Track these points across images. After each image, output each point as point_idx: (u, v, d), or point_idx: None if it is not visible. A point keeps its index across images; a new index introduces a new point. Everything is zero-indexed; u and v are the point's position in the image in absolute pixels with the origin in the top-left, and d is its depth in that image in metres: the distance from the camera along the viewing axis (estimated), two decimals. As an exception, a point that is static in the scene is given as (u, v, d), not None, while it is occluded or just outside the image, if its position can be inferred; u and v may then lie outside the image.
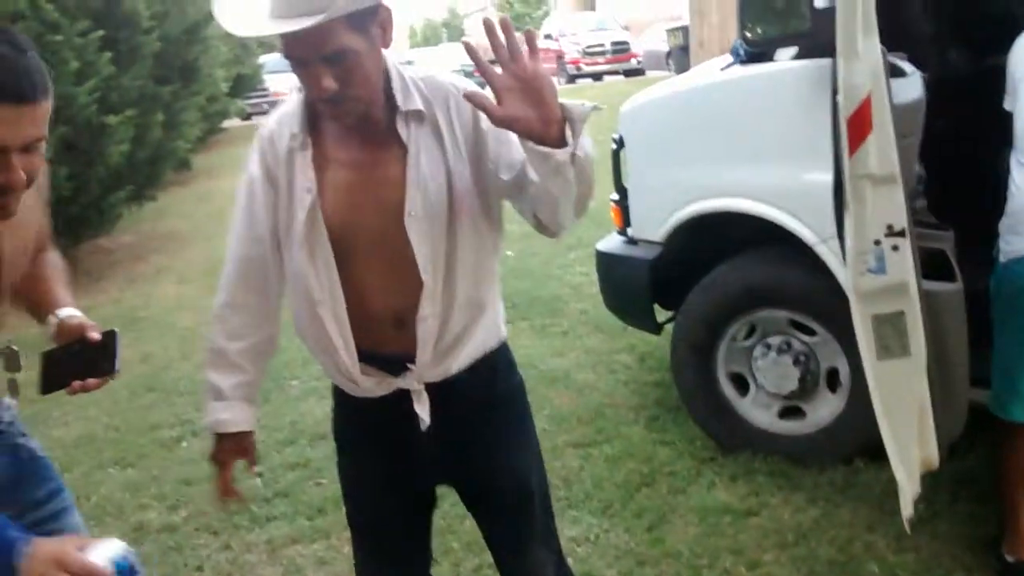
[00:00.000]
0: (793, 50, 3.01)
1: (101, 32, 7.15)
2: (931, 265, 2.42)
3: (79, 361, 1.59)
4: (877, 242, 2.22)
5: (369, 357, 1.70)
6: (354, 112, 1.57)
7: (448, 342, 1.69)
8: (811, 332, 3.16)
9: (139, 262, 8.14)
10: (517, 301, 5.52)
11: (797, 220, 2.99)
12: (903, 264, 2.21)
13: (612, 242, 3.76)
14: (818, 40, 2.69)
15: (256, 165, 1.71)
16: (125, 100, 7.62)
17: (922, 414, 2.28)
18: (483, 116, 1.50)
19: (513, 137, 1.53)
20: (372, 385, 1.71)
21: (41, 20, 6.57)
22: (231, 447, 1.83)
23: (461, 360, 1.72)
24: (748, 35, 2.90)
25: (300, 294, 1.69)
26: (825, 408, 3.20)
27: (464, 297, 1.68)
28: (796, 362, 3.18)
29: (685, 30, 15.17)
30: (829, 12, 2.64)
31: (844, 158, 2.24)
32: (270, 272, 1.75)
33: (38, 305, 1.71)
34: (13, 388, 1.66)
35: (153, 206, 9.56)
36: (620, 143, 3.66)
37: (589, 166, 1.49)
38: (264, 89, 22.29)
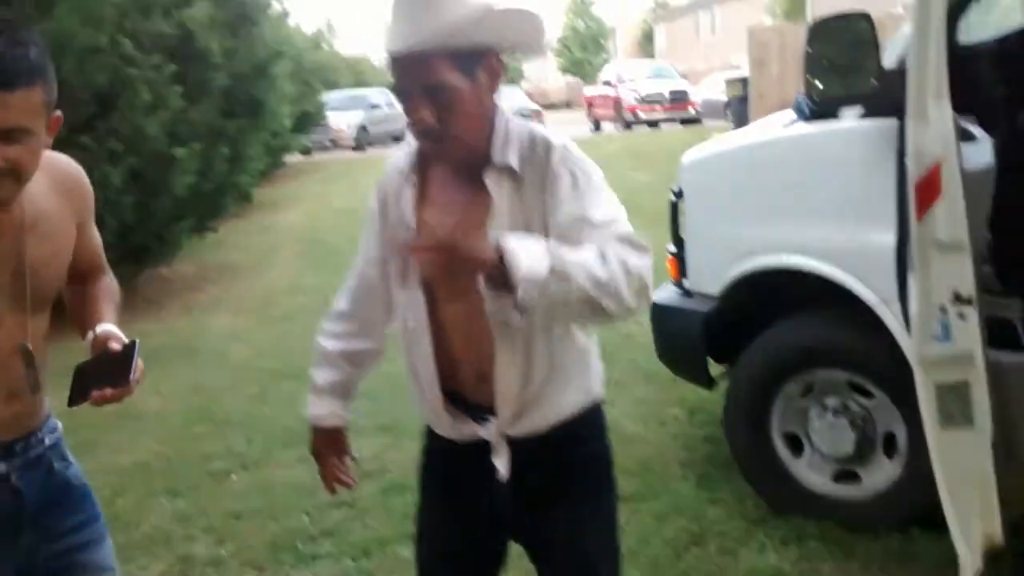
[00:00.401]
0: (858, 109, 2.99)
1: (174, 67, 7.38)
2: (997, 333, 2.36)
3: (103, 373, 1.62)
4: (943, 309, 2.18)
5: (454, 399, 1.75)
6: (452, 151, 1.63)
7: (529, 400, 1.69)
8: (869, 395, 3.10)
9: (196, 292, 8.30)
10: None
11: (858, 280, 2.95)
12: (969, 332, 2.16)
13: (667, 293, 3.74)
14: (886, 101, 2.68)
15: (375, 197, 1.82)
16: (193, 133, 7.83)
17: (985, 487, 2.21)
18: (558, 185, 1.59)
19: (590, 203, 1.59)
20: (453, 424, 1.76)
21: (119, 55, 6.80)
22: (324, 440, 1.98)
23: (543, 419, 1.71)
24: (813, 93, 2.89)
25: (400, 320, 1.80)
26: (881, 473, 3.12)
27: (543, 357, 1.68)
28: (853, 425, 3.12)
29: (744, 81, 15.22)
30: (897, 73, 2.63)
31: (911, 223, 2.21)
32: (379, 296, 1.86)
33: (83, 324, 1.75)
34: (33, 384, 1.65)
35: (213, 237, 9.76)
36: (679, 195, 3.66)
37: (574, 293, 1.47)
38: (326, 126, 22.73)
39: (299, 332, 6.57)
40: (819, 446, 3.19)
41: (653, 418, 4.34)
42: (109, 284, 1.87)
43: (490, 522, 1.79)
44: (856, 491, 3.17)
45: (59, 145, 6.18)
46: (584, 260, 1.49)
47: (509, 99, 26.89)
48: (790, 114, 3.52)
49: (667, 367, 3.97)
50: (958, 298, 2.18)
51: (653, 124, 23.96)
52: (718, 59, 42.38)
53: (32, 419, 1.73)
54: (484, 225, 1.62)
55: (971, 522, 2.23)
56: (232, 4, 9.13)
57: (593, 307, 1.51)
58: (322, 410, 1.96)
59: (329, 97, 23.02)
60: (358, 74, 37.61)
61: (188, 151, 7.51)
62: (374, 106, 25.92)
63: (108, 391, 1.57)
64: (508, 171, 1.63)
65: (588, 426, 1.79)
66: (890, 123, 2.73)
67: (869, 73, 2.76)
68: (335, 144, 23.79)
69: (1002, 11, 4.70)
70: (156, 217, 7.49)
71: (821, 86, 2.89)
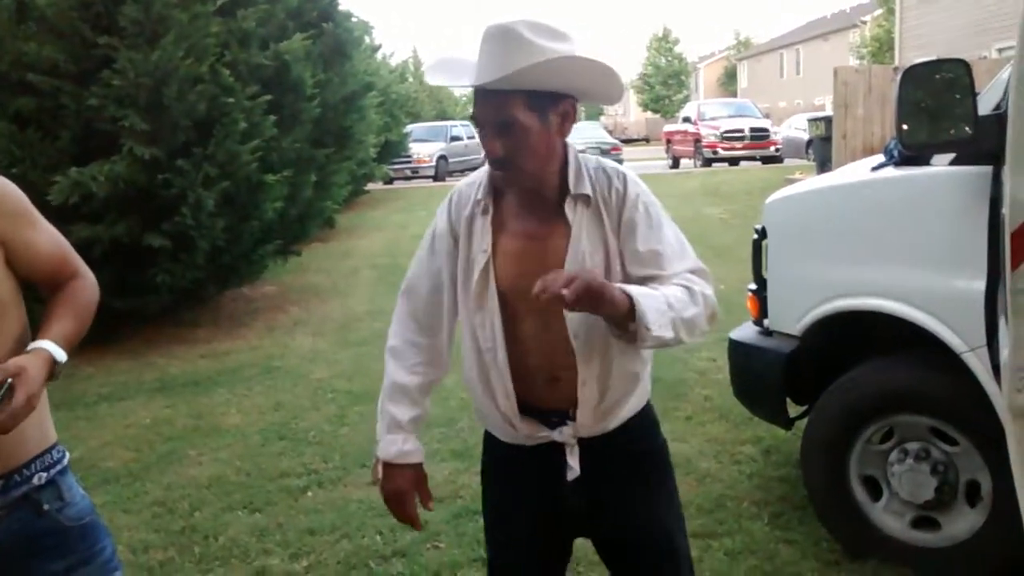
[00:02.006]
0: (949, 155, 2.97)
1: (268, 97, 7.65)
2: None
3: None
4: (1035, 358, 2.14)
5: (527, 409, 1.85)
6: (520, 182, 1.78)
7: (608, 406, 1.84)
8: (953, 442, 3.04)
9: (278, 312, 8.52)
10: (642, 382, 5.50)
11: (945, 326, 2.91)
12: (1061, 382, 2.12)
13: (746, 331, 3.73)
14: (980, 148, 2.66)
15: (443, 220, 1.90)
16: (283, 160, 8.10)
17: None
18: (633, 214, 1.76)
19: (664, 237, 1.78)
20: (529, 431, 1.85)
21: (217, 83, 7.08)
22: (410, 477, 1.95)
23: (614, 420, 1.86)
24: (904, 138, 2.88)
25: (469, 340, 1.87)
26: (962, 522, 3.05)
27: (620, 367, 1.82)
28: (934, 471, 3.06)
29: (828, 121, 15.00)
30: (992, 119, 2.61)
31: (1006, 271, 2.18)
32: (446, 322, 1.93)
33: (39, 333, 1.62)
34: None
35: (296, 260, 10.02)
36: (762, 234, 3.66)
37: (682, 335, 1.68)
38: (408, 156, 23.17)
39: (376, 355, 6.65)
40: (898, 491, 3.14)
41: (727, 456, 4.31)
42: (75, 288, 1.73)
43: (560, 519, 1.90)
44: (935, 539, 3.10)
45: (158, 168, 6.53)
46: (685, 309, 1.68)
47: (588, 133, 27.14)
48: (879, 158, 3.50)
49: (744, 405, 3.95)
50: (1050, 348, 2.14)
51: (733, 161, 23.79)
52: (800, 98, 41.97)
53: (11, 455, 1.59)
54: (565, 250, 1.75)
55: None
56: (327, 38, 9.44)
57: (680, 341, 1.70)
58: (410, 446, 1.94)
59: (412, 128, 23.48)
60: (439, 105, 38.28)
61: (278, 178, 7.76)
62: (455, 138, 26.35)
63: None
64: (583, 199, 1.78)
65: (647, 421, 1.96)
66: (983, 170, 2.70)
67: (963, 119, 2.74)
68: (416, 173, 24.21)
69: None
70: (244, 240, 7.74)
71: (913, 131, 2.88)
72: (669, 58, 58.18)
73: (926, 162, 3.07)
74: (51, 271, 1.71)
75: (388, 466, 1.94)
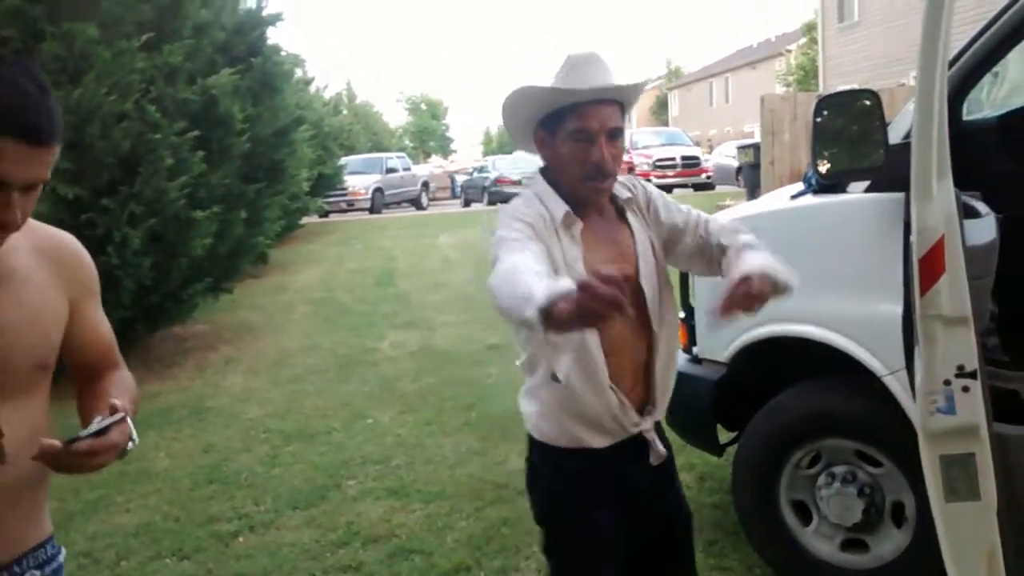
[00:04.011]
0: (864, 183, 3.04)
1: (196, 132, 7.53)
2: (1003, 405, 2.37)
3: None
4: (947, 382, 2.19)
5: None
6: (608, 191, 2.00)
7: (669, 385, 2.07)
8: (877, 464, 3.10)
9: (210, 351, 8.36)
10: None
11: (866, 350, 2.97)
12: (973, 406, 2.17)
13: (677, 360, 3.76)
14: (892, 175, 2.73)
15: (528, 215, 1.91)
16: (212, 196, 7.96)
17: (992, 560, 2.20)
18: (658, 203, 2.08)
19: (672, 206, 2.09)
20: (632, 419, 1.99)
21: (143, 120, 6.96)
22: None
23: (668, 389, 2.08)
24: (820, 166, 2.94)
25: (558, 354, 1.93)
26: (889, 543, 3.10)
27: (671, 345, 2.06)
28: (861, 494, 3.11)
29: (756, 148, 15.33)
30: (903, 148, 2.69)
31: (915, 297, 2.24)
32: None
33: (91, 413, 1.50)
34: None
35: (228, 297, 9.86)
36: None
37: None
38: (343, 189, 23.06)
39: (311, 392, 6.62)
40: (827, 514, 3.18)
41: (662, 485, 4.32)
42: (124, 377, 1.68)
43: (641, 513, 2.05)
44: (864, 560, 3.14)
45: (82, 207, 6.37)
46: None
47: (524, 163, 27.32)
48: (799, 186, 3.57)
49: (676, 432, 3.95)
50: (962, 372, 2.19)
51: (667, 189, 24.10)
52: (730, 125, 42.88)
53: (2, 548, 1.47)
54: (633, 248, 2.00)
55: (979, 596, 2.22)
56: (255, 72, 9.35)
57: None
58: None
59: (347, 160, 23.39)
60: (374, 137, 38.20)
61: (207, 214, 7.62)
62: (390, 170, 26.32)
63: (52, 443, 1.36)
64: (629, 201, 2.05)
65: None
66: (896, 197, 2.77)
67: (875, 148, 2.81)
68: (351, 206, 24.09)
69: (1009, 88, 4.78)
70: (173, 278, 7.58)
71: (829, 160, 2.94)
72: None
73: (842, 189, 3.15)
74: (100, 354, 1.67)
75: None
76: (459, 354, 7.48)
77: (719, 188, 22.53)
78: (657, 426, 2.08)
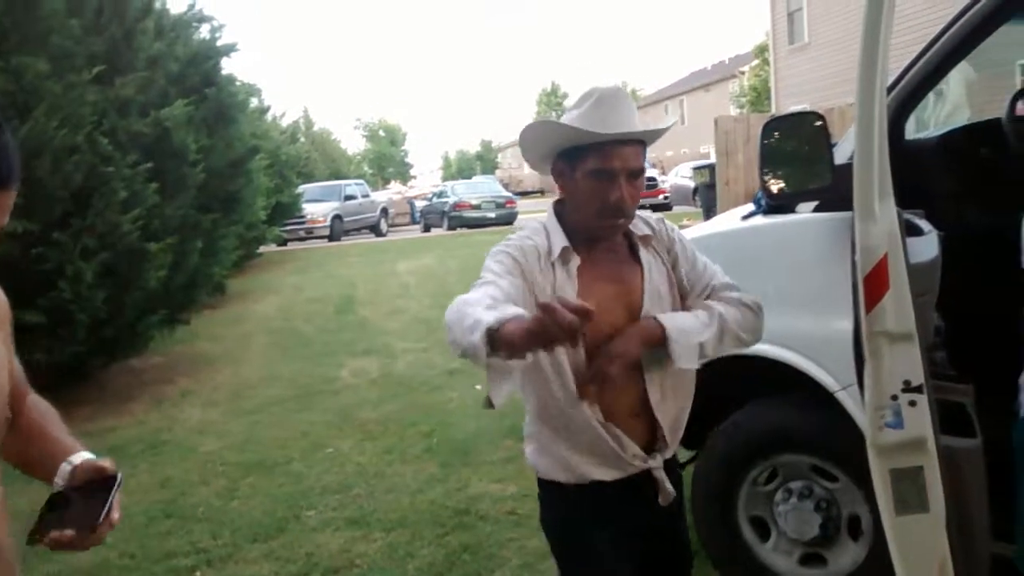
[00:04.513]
0: (812, 203, 3.10)
1: (149, 164, 7.46)
2: (950, 418, 2.42)
3: (76, 507, 1.38)
4: (894, 397, 2.23)
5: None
6: (622, 229, 2.00)
7: (681, 422, 2.07)
8: (833, 478, 3.13)
9: (166, 384, 8.24)
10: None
11: (818, 366, 3.01)
12: (921, 419, 2.22)
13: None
14: (839, 194, 2.78)
15: (515, 256, 1.92)
16: (167, 227, 7.88)
17: (942, 570, 2.24)
18: (678, 247, 2.08)
19: (696, 263, 2.09)
20: (634, 452, 1.98)
21: (95, 153, 6.88)
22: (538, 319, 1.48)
23: (679, 432, 2.08)
24: (770, 187, 3.00)
25: (556, 381, 1.93)
26: (847, 556, 3.13)
27: (679, 383, 2.06)
28: (818, 508, 3.15)
29: (712, 168, 15.54)
30: (849, 168, 2.75)
31: (861, 314, 2.28)
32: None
33: (42, 462, 1.45)
34: None
35: (185, 328, 9.73)
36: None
37: (727, 332, 2.03)
38: (301, 217, 22.94)
39: (270, 423, 6.54)
40: (785, 530, 3.21)
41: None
42: (46, 407, 1.60)
43: (646, 548, 2.07)
44: (823, 574, 3.17)
45: (33, 242, 6.27)
46: (724, 313, 2.03)
47: (485, 188, 27.39)
48: (749, 207, 3.63)
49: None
50: (908, 386, 2.23)
51: (625, 211, 24.37)
52: (687, 147, 43.38)
53: None
54: (641, 286, 1.99)
55: (932, 607, 2.25)
56: (210, 103, 9.31)
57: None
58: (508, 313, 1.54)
59: (305, 188, 23.31)
60: (332, 164, 38.11)
61: (162, 246, 7.54)
62: (349, 197, 26.24)
63: (68, 533, 1.32)
64: (645, 238, 2.05)
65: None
66: (844, 215, 2.82)
67: (822, 168, 2.87)
68: (310, 234, 23.97)
69: (951, 107, 4.91)
70: (127, 311, 7.46)
71: (777, 181, 3.00)
72: (559, 112, 59.48)
73: (791, 209, 3.20)
74: (16, 383, 1.55)
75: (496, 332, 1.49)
76: (419, 380, 7.46)
77: (676, 208, 22.77)
78: (668, 465, 2.07)
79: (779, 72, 28.27)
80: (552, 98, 59.75)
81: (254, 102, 16.78)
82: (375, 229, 27.20)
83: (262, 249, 18.00)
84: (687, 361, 1.95)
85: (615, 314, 1.95)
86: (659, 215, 2.14)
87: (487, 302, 1.65)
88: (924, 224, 2.76)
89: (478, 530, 4.20)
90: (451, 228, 24.86)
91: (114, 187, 6.97)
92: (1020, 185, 2.87)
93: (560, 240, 1.95)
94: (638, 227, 2.04)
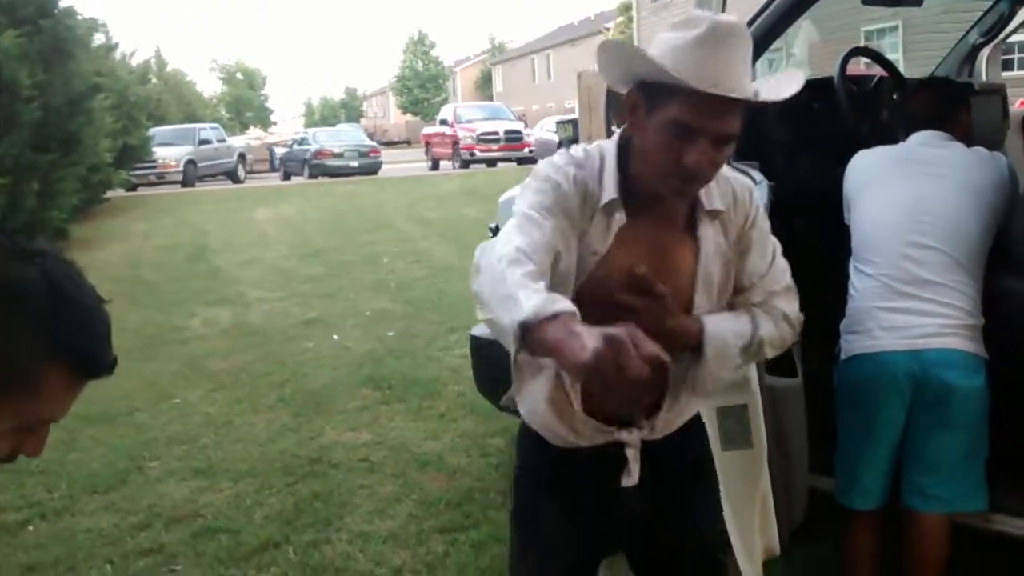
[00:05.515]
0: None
1: (-25, 98, 6.97)
2: (775, 360, 2.54)
3: None
4: (721, 337, 2.32)
5: (592, 414, 1.69)
6: (689, 196, 1.61)
7: (681, 408, 1.75)
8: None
9: (2, 334, 7.77)
10: (394, 383, 5.53)
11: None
12: (746, 359, 2.32)
13: (485, 327, 3.81)
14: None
15: (566, 180, 1.59)
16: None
17: (764, 503, 2.37)
18: (755, 231, 1.70)
19: (771, 263, 1.72)
20: (591, 434, 1.69)
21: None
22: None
23: (680, 422, 1.78)
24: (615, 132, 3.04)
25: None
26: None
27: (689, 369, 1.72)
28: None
29: (575, 123, 15.72)
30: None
31: None
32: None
33: None
34: None
35: (22, 276, 9.18)
36: (496, 231, 3.76)
37: (760, 352, 1.73)
38: (152, 161, 21.90)
39: (113, 373, 6.27)
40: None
41: (476, 449, 4.40)
42: None
43: (612, 527, 1.78)
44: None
45: None
46: (765, 335, 1.71)
47: (348, 136, 26.82)
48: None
49: (487, 399, 4.04)
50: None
51: (491, 163, 24.42)
52: (552, 101, 43.72)
53: None
54: (693, 270, 1.65)
55: (752, 536, 2.38)
56: (45, 36, 8.72)
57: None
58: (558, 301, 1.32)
59: (156, 131, 22.23)
60: (187, 107, 36.48)
61: (-8, 185, 7.09)
62: (204, 141, 25.22)
63: None
64: (714, 213, 1.66)
65: (698, 424, 1.89)
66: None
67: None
68: (162, 179, 22.93)
69: (793, 67, 5.13)
70: (-45, 255, 6.99)
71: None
72: (426, 62, 58.80)
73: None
74: None
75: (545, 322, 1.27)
76: (274, 330, 7.30)
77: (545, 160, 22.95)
78: (656, 450, 1.74)
79: (642, 30, 28.81)
80: (419, 47, 58.85)
81: (100, 39, 15.84)
82: (232, 175, 26.26)
83: (109, 194, 17.09)
84: (710, 389, 1.72)
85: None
86: (750, 184, 1.74)
87: (527, 267, 1.38)
88: (757, 174, 2.87)
89: (329, 478, 4.18)
90: (312, 176, 24.28)
91: (-64, 122, 6.48)
92: (846, 140, 3.02)
93: (611, 187, 1.59)
94: (710, 197, 1.64)
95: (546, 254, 1.49)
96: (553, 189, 1.58)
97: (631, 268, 1.55)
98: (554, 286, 1.47)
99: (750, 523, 2.38)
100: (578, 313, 1.29)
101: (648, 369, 1.16)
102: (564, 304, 1.28)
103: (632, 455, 1.70)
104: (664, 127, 1.49)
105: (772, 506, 2.40)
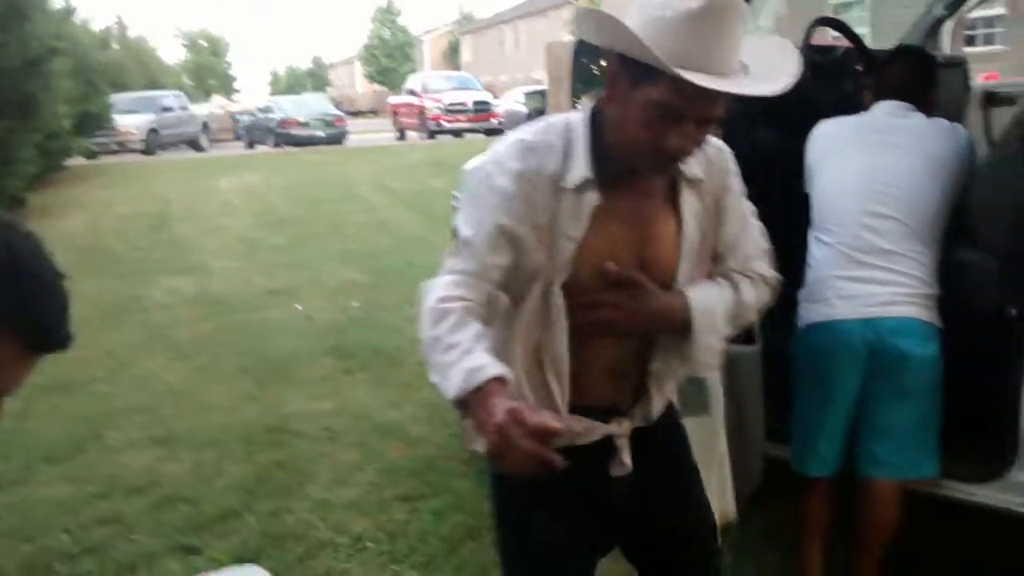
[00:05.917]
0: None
1: (-73, 59, 6.78)
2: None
3: None
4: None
5: (576, 408, 1.63)
6: (667, 173, 1.56)
7: (668, 390, 1.74)
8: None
9: (-43, 303, 7.63)
10: (357, 352, 5.51)
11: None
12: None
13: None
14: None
15: (512, 182, 1.52)
16: (-49, 131, 7.22)
17: (720, 470, 2.40)
18: (732, 193, 1.67)
19: (746, 227, 1.70)
20: (578, 430, 1.63)
21: None
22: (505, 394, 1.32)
23: (662, 406, 1.74)
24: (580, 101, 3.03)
25: (525, 331, 1.59)
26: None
27: (675, 352, 1.68)
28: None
29: (543, 94, 15.65)
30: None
31: None
32: (496, 296, 1.55)
33: None
34: None
35: (-22, 244, 9.00)
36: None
37: (744, 316, 1.71)
38: (113, 128, 21.51)
39: (74, 342, 6.19)
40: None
41: (438, 419, 4.39)
42: None
43: (606, 519, 1.73)
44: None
45: None
46: (747, 299, 1.69)
47: (314, 106, 26.50)
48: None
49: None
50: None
51: (457, 134, 24.26)
52: (521, 72, 43.46)
53: None
54: (674, 241, 1.60)
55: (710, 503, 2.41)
56: (-1, -5, 8.51)
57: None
58: (486, 361, 1.36)
59: (117, 98, 21.82)
60: (149, 74, 35.86)
61: (-55, 150, 6.92)
62: (166, 108, 24.81)
63: None
64: (694, 181, 1.61)
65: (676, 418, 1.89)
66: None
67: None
68: (123, 147, 22.54)
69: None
70: (-93, 221, 6.82)
71: (589, 100, 3.03)
72: (393, 30, 58.14)
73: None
74: None
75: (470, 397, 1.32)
76: (236, 299, 7.23)
77: (509, 134, 22.84)
78: (651, 437, 1.72)
79: (608, 1, 28.64)
80: (387, 16, 58.16)
81: (58, 2, 15.47)
82: (195, 144, 25.87)
83: (68, 162, 16.78)
84: (704, 361, 1.67)
85: (623, 263, 1.57)
86: (723, 145, 1.68)
87: (454, 317, 1.41)
88: (717, 142, 2.87)
89: (291, 447, 4.17)
90: (277, 145, 24.00)
91: None
92: (808, 109, 3.02)
93: (582, 166, 1.51)
94: (689, 165, 1.58)
95: (486, 280, 1.50)
96: (493, 194, 1.52)
97: (603, 267, 1.55)
98: (526, 281, 1.54)
99: (707, 488, 2.40)
100: (505, 376, 1.33)
101: (540, 447, 1.23)
102: (487, 372, 1.32)
103: (623, 443, 1.67)
104: (647, 106, 1.42)
105: (729, 473, 2.43)
